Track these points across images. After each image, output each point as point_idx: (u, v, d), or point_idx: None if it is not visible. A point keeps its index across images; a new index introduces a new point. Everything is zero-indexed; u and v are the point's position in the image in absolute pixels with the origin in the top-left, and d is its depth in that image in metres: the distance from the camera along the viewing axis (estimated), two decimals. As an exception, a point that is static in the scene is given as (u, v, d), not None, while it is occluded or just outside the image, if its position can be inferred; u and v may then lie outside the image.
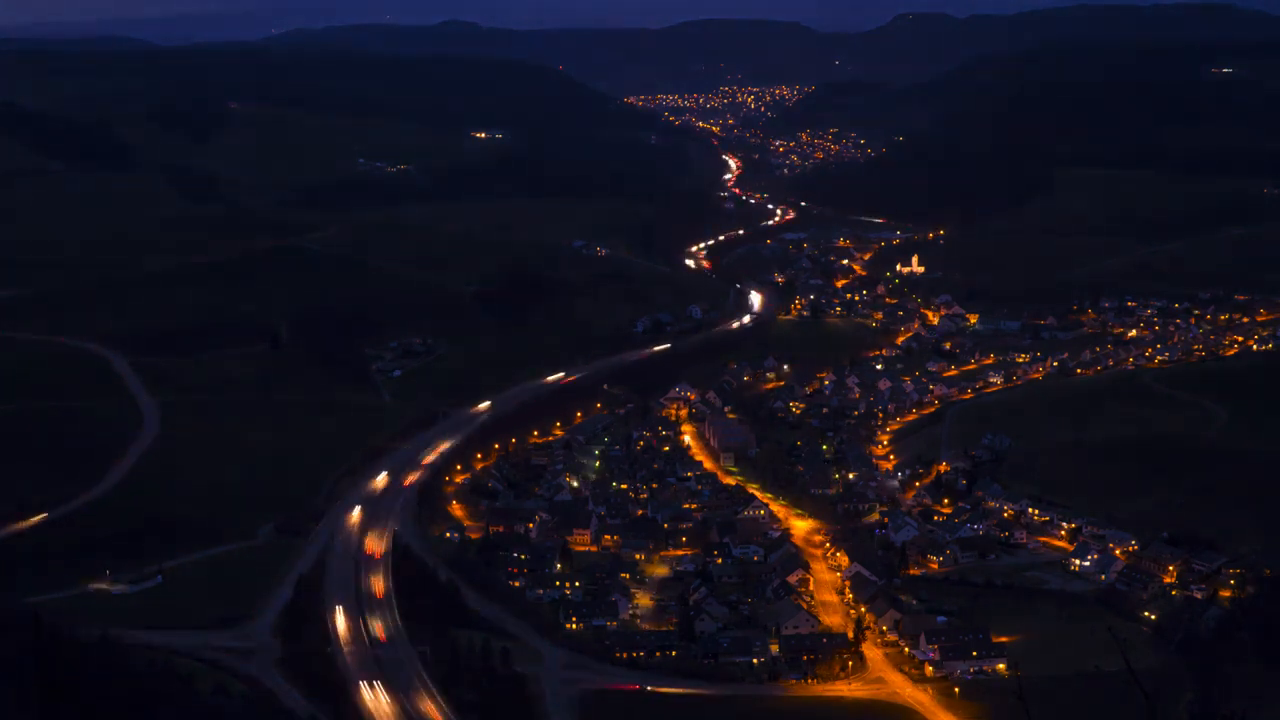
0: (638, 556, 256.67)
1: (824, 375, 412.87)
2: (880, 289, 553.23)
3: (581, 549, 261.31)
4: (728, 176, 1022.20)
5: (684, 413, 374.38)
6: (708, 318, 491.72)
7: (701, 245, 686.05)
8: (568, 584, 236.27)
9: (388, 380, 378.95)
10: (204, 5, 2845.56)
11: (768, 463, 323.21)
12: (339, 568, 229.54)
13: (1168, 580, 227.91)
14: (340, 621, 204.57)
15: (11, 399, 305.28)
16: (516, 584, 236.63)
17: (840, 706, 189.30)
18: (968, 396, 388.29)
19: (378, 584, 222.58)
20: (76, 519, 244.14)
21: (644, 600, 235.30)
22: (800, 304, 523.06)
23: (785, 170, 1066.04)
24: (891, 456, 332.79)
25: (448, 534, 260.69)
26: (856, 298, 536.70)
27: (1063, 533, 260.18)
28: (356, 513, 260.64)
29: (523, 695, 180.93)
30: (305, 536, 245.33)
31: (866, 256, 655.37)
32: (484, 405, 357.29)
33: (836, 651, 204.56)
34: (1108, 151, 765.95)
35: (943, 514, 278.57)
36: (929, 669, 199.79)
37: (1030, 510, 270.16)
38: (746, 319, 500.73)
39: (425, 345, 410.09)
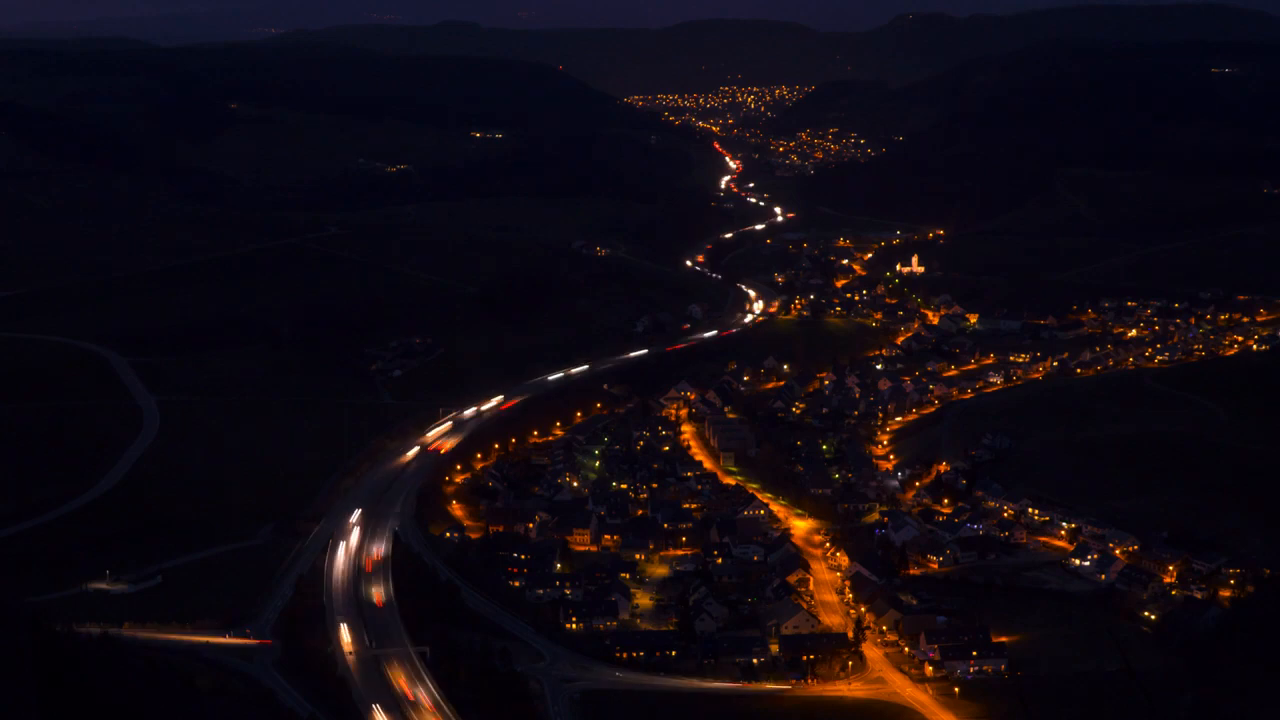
0: (638, 556, 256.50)
1: (824, 375, 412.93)
2: (880, 289, 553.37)
3: (581, 549, 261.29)
4: (728, 176, 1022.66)
5: (684, 413, 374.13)
6: (708, 317, 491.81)
7: (701, 245, 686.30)
8: (568, 584, 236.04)
9: (388, 380, 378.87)
10: (204, 5, 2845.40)
11: (768, 463, 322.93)
12: (339, 568, 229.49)
13: (1168, 580, 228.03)
14: (340, 621, 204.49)
15: (11, 399, 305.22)
16: (516, 584, 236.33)
17: (840, 706, 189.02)
18: (968, 396, 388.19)
19: (377, 584, 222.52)
20: (76, 519, 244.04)
21: (644, 600, 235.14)
22: (800, 304, 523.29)
23: (785, 170, 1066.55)
24: (891, 456, 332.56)
25: (448, 534, 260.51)
26: (856, 298, 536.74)
27: (1063, 533, 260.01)
28: (356, 513, 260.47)
29: (523, 695, 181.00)
30: (305, 537, 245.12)
31: (866, 256, 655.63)
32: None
33: (836, 651, 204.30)
34: (1108, 151, 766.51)
35: (943, 514, 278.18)
36: (929, 669, 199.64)
37: (1030, 510, 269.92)
38: (747, 319, 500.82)
39: (425, 345, 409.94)
